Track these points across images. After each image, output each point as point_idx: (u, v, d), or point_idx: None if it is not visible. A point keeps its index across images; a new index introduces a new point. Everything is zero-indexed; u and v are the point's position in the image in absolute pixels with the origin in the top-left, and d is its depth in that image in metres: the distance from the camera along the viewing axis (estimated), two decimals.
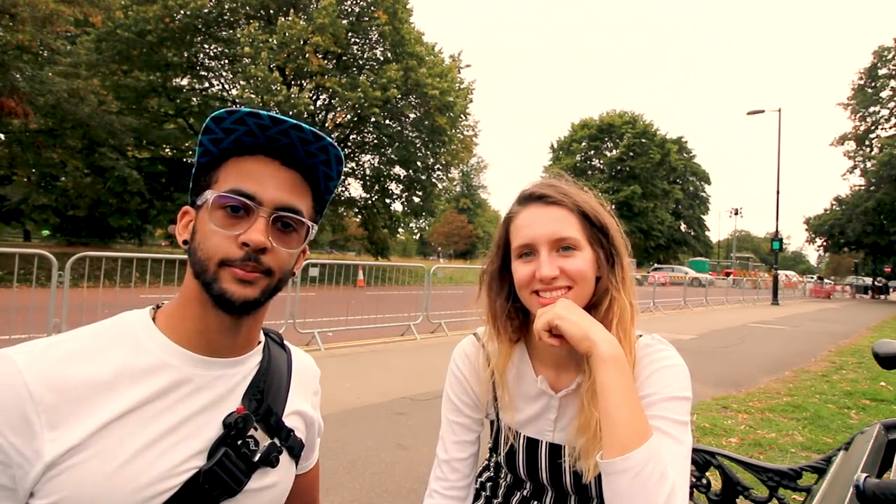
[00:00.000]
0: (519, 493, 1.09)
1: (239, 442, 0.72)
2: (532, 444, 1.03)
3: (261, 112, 0.69)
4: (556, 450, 1.01)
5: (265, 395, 0.79)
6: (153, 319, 0.75)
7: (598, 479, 0.92)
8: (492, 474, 1.17)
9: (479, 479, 1.19)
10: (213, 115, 0.69)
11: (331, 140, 0.74)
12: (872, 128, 35.03)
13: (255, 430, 0.75)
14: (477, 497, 1.15)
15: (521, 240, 0.96)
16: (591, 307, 0.95)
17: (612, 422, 0.80)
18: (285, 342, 0.92)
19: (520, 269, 0.96)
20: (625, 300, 0.95)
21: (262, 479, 0.76)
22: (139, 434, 0.66)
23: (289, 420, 0.82)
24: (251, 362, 0.80)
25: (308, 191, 0.78)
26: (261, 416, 0.77)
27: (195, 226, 0.74)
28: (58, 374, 0.64)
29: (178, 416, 0.69)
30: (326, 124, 23.76)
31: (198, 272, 0.71)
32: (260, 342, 0.84)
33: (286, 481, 0.81)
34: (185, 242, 0.75)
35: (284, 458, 0.79)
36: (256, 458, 0.74)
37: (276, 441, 0.77)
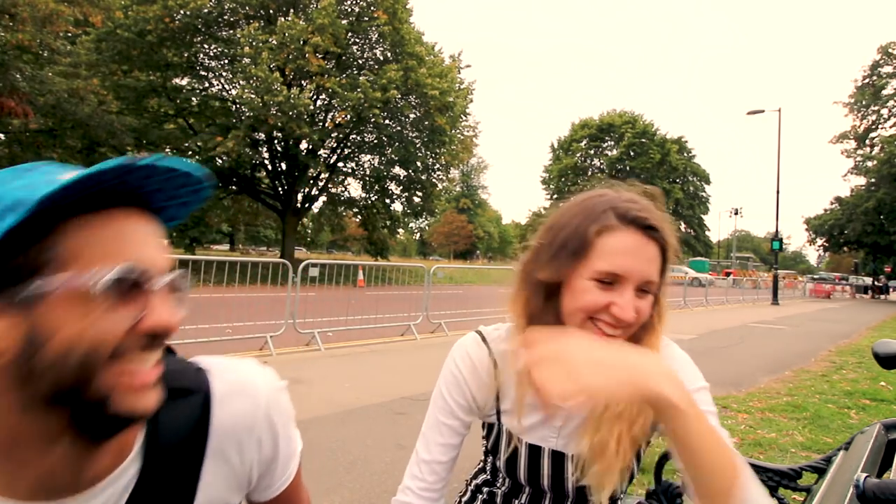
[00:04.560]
0: (516, 500, 1.06)
1: None
2: (534, 450, 0.99)
3: (154, 164, 0.50)
4: (559, 457, 0.98)
5: None
6: None
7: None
8: (488, 477, 1.12)
9: (475, 482, 1.14)
10: (87, 171, 0.46)
11: (206, 180, 0.56)
12: (873, 127, 35.04)
13: None
14: (473, 500, 1.12)
15: (611, 267, 0.85)
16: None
17: (707, 476, 0.70)
18: (209, 376, 0.65)
19: (593, 293, 0.85)
20: (659, 328, 0.92)
21: None
22: None
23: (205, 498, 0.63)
24: (123, 479, 0.57)
25: (157, 229, 0.57)
26: None
27: (37, 330, 0.48)
28: None
29: None
30: (326, 124, 23.76)
31: (66, 392, 0.48)
32: (135, 444, 0.59)
33: None
34: None
35: None
36: None
37: None
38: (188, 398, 0.62)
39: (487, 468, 1.12)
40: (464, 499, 1.14)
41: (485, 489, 1.11)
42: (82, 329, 0.48)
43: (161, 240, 0.55)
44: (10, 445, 0.50)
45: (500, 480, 1.07)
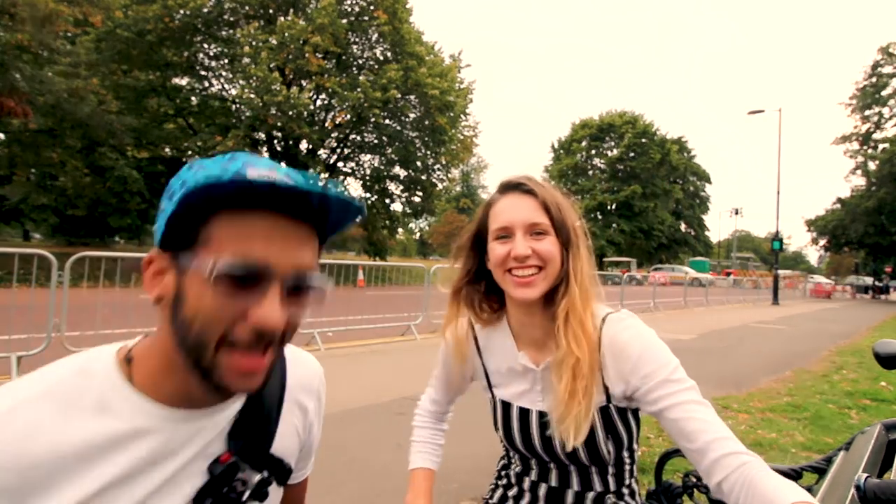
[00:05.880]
0: (528, 479, 1.18)
1: (225, 489, 0.68)
2: (524, 414, 1.12)
3: (308, 189, 0.56)
4: (544, 419, 1.09)
5: (252, 431, 0.72)
6: (129, 368, 0.65)
7: (588, 448, 1.06)
8: (505, 461, 1.26)
9: (497, 469, 1.29)
10: (244, 175, 0.54)
11: (359, 203, 0.63)
12: (874, 127, 35.03)
13: (243, 470, 0.70)
14: (496, 488, 1.26)
15: (500, 223, 1.06)
16: (554, 290, 1.06)
17: None
18: None
19: (497, 249, 1.06)
20: (575, 286, 1.04)
21: None
22: (121, 500, 0.62)
23: (282, 440, 0.77)
24: (231, 409, 0.72)
25: (315, 239, 0.65)
26: (248, 453, 0.71)
27: (182, 289, 0.60)
28: (21, 452, 0.56)
29: (159, 479, 0.64)
30: (326, 124, 23.76)
31: (189, 348, 0.60)
32: None
33: None
34: (158, 299, 0.63)
35: (273, 487, 0.75)
36: (245, 496, 0.69)
37: (266, 473, 0.72)
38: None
39: (504, 448, 1.24)
40: (490, 487, 1.29)
41: (503, 473, 1.26)
42: (200, 306, 0.58)
43: (304, 240, 0.62)
44: (170, 363, 0.63)
45: (513, 456, 1.21)
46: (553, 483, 1.14)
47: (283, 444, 0.77)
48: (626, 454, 1.12)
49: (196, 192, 0.56)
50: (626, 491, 1.14)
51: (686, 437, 0.91)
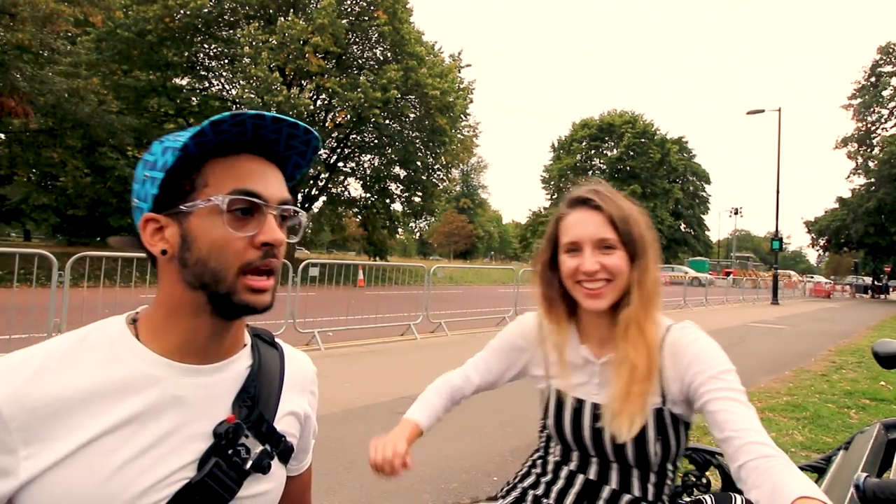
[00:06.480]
0: (566, 468, 1.19)
1: (230, 451, 0.71)
2: (578, 405, 1.16)
3: (265, 114, 0.68)
4: (597, 412, 1.13)
5: (256, 401, 0.77)
6: (135, 328, 0.72)
7: (636, 446, 1.07)
8: (541, 453, 1.28)
9: (531, 458, 1.30)
10: (213, 119, 0.65)
11: (315, 132, 0.75)
12: (873, 127, 35.01)
13: (247, 437, 0.74)
14: (527, 475, 1.27)
15: (569, 238, 1.12)
16: (622, 299, 1.11)
17: None
18: (277, 340, 0.89)
19: (567, 263, 1.13)
20: (640, 295, 1.09)
21: (254, 487, 0.74)
22: (125, 448, 0.65)
23: (281, 423, 0.81)
24: (240, 365, 0.77)
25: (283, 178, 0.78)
26: (252, 422, 0.75)
27: (189, 233, 0.69)
28: (30, 391, 0.61)
29: (164, 428, 0.68)
30: (326, 124, 23.74)
31: (208, 282, 0.68)
32: (246, 344, 0.81)
33: (278, 488, 0.80)
34: (163, 252, 0.70)
35: (276, 463, 0.78)
36: (248, 465, 0.72)
37: (268, 447, 0.76)
38: (273, 347, 0.86)
39: (541, 445, 1.29)
40: (520, 473, 1.29)
41: (538, 462, 1.27)
42: (214, 239, 0.68)
43: (281, 179, 0.75)
44: (175, 311, 0.71)
45: (553, 448, 1.24)
46: (591, 476, 1.15)
47: (284, 423, 0.81)
48: (670, 466, 1.12)
49: (188, 146, 0.66)
50: None
51: (718, 427, 0.95)
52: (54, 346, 0.67)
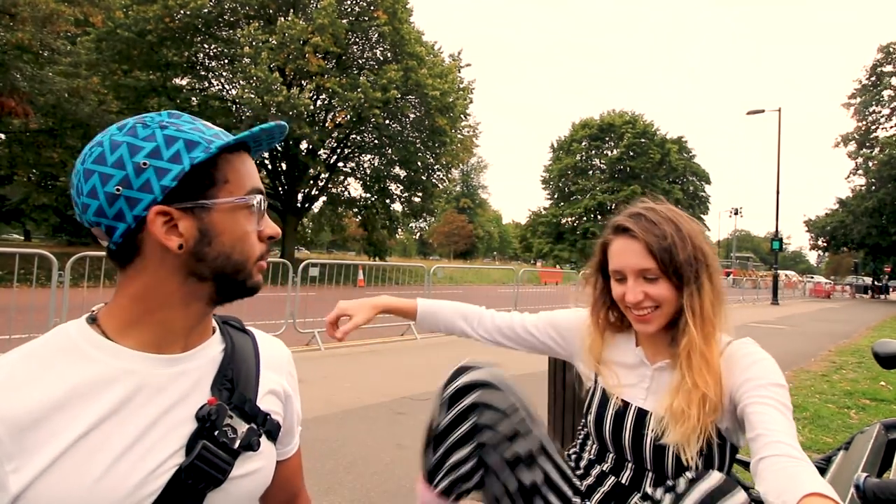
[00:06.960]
0: (599, 468, 1.19)
1: (216, 433, 0.72)
2: (622, 408, 1.16)
3: (273, 124, 0.74)
4: (641, 417, 1.12)
5: (235, 383, 0.78)
6: (98, 327, 0.71)
7: (677, 458, 1.05)
8: (577, 449, 1.27)
9: (566, 453, 1.29)
10: (263, 126, 0.73)
11: (283, 125, 0.79)
12: (873, 127, 34.99)
13: (231, 418, 0.75)
14: None
15: (614, 266, 1.15)
16: (674, 323, 1.11)
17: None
18: (246, 326, 0.90)
19: (615, 289, 1.15)
20: (695, 322, 1.06)
21: (246, 465, 0.75)
22: (110, 446, 0.65)
23: (264, 402, 0.81)
24: (212, 350, 0.78)
25: None
26: (234, 403, 0.76)
27: (211, 226, 0.70)
28: (3, 405, 0.60)
29: (147, 419, 0.68)
30: (326, 124, 23.74)
31: (226, 274, 0.73)
32: (215, 329, 0.82)
33: (269, 465, 0.81)
34: (180, 247, 0.69)
35: (264, 441, 0.79)
36: (237, 444, 0.73)
37: (254, 425, 0.77)
38: (244, 333, 0.87)
39: (578, 441, 1.29)
40: None
41: (572, 457, 1.27)
42: (238, 233, 0.73)
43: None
44: (159, 305, 0.71)
45: (589, 446, 1.23)
46: (623, 481, 1.14)
47: (266, 402, 0.82)
48: None
49: (217, 149, 0.70)
50: None
51: (751, 426, 0.93)
52: (16, 356, 0.66)
